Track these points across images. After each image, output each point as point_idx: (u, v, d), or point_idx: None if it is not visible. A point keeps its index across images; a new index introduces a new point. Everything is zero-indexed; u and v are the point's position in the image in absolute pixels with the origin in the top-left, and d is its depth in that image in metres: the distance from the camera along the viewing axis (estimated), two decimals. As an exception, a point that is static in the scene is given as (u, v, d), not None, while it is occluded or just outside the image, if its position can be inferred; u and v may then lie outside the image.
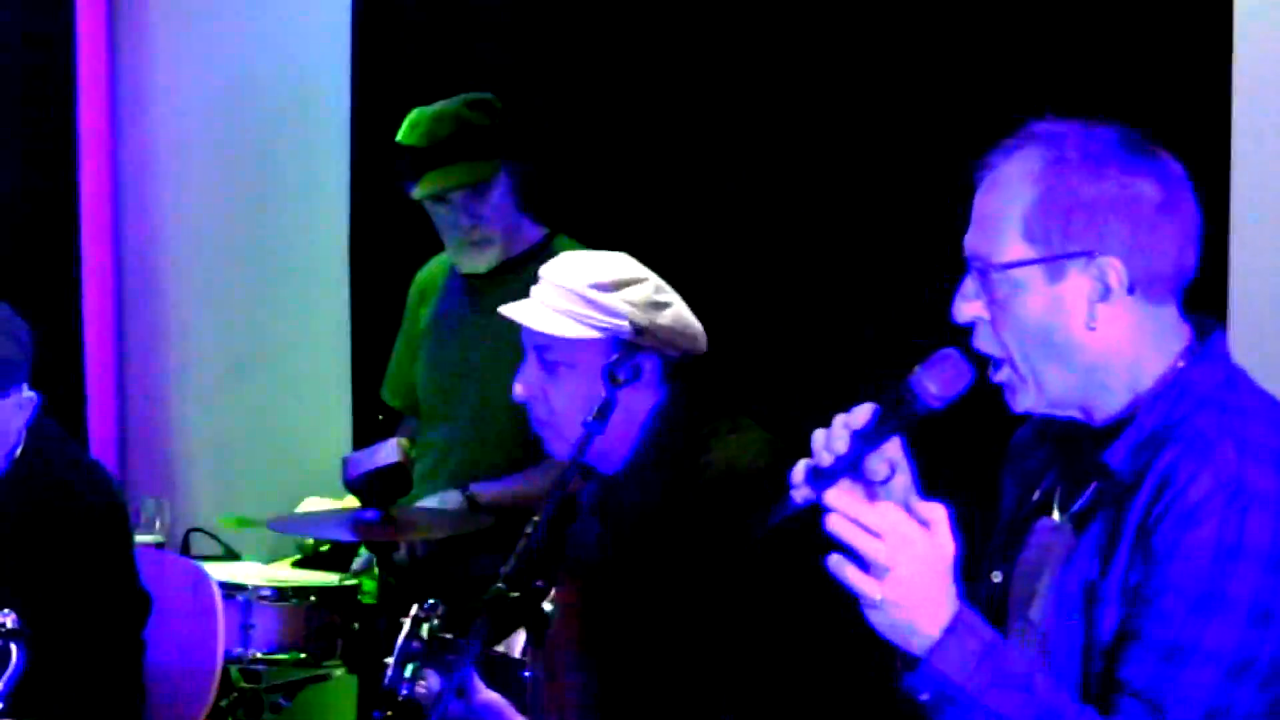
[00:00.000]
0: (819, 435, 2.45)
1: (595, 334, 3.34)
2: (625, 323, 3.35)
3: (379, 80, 5.39)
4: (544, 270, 3.43)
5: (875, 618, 2.36)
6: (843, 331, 4.72)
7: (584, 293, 3.35)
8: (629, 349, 3.34)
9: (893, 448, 2.47)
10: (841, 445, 2.43)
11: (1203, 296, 3.97)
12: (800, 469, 2.45)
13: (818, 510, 2.45)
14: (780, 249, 4.83)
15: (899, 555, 2.34)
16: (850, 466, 2.43)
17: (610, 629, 3.39)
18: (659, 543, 3.33)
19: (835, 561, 2.35)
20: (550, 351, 3.36)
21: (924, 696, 2.39)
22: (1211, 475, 2.36)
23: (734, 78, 4.89)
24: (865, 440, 2.43)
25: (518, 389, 3.41)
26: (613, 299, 3.36)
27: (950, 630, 2.35)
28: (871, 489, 2.48)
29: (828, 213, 4.76)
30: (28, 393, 3.59)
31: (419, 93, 4.88)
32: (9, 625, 3.28)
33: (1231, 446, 2.37)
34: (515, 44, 5.17)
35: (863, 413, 2.45)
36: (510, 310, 3.40)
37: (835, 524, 2.36)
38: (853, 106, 4.71)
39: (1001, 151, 2.49)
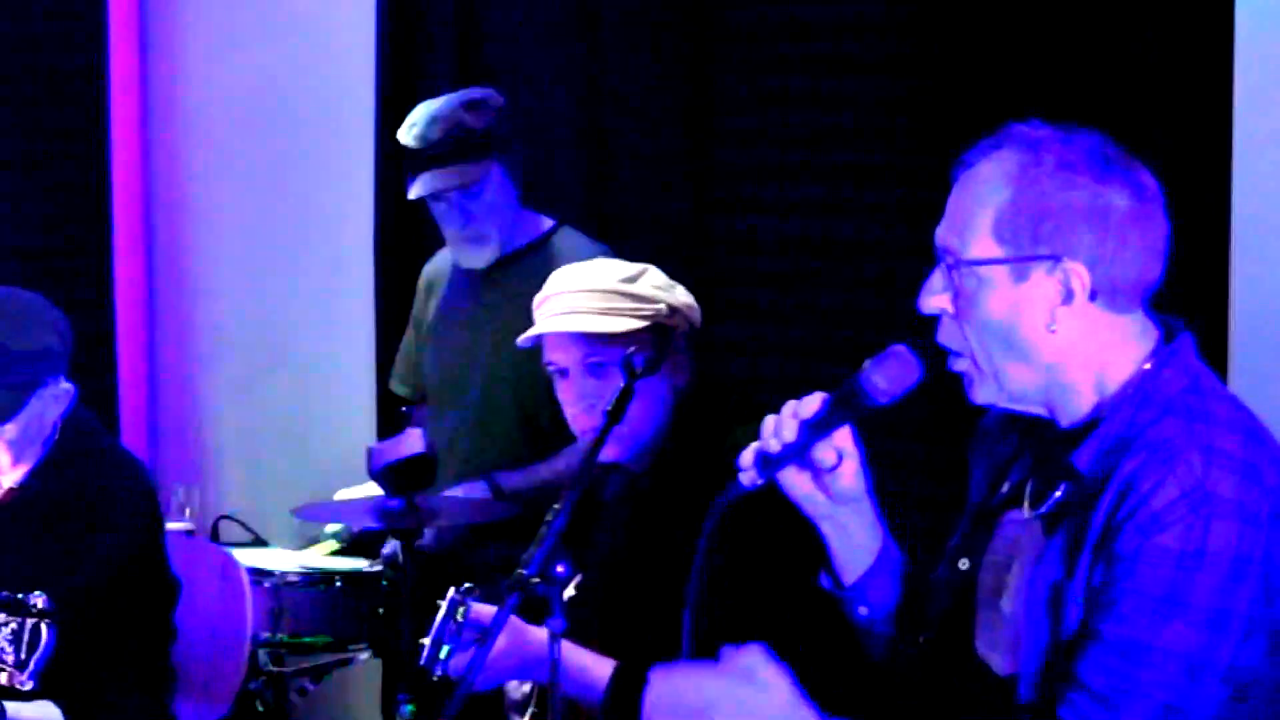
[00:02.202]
0: (769, 422, 2.52)
1: (641, 324, 3.36)
2: (662, 306, 3.38)
3: (404, 81, 5.38)
4: (559, 283, 3.44)
5: None
6: (842, 322, 4.75)
7: (618, 288, 3.38)
8: (662, 333, 3.37)
9: (842, 436, 2.53)
10: (790, 434, 2.50)
11: (1204, 297, 4.06)
12: (749, 454, 2.52)
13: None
14: (783, 240, 4.87)
15: None
16: (798, 454, 2.50)
17: (634, 619, 3.39)
18: (682, 532, 3.22)
19: None
20: (600, 354, 3.36)
21: None
22: (1176, 483, 2.36)
23: (745, 74, 4.91)
24: (814, 430, 2.49)
25: (580, 417, 3.40)
26: (643, 288, 3.39)
27: None
28: (819, 475, 2.54)
29: (829, 200, 4.79)
30: (65, 384, 3.61)
31: (443, 89, 4.88)
32: (40, 606, 3.31)
33: (1198, 455, 2.37)
34: (538, 42, 5.19)
35: (812, 402, 2.52)
36: (555, 325, 3.39)
37: None
38: (852, 101, 4.74)
39: (980, 150, 2.52)
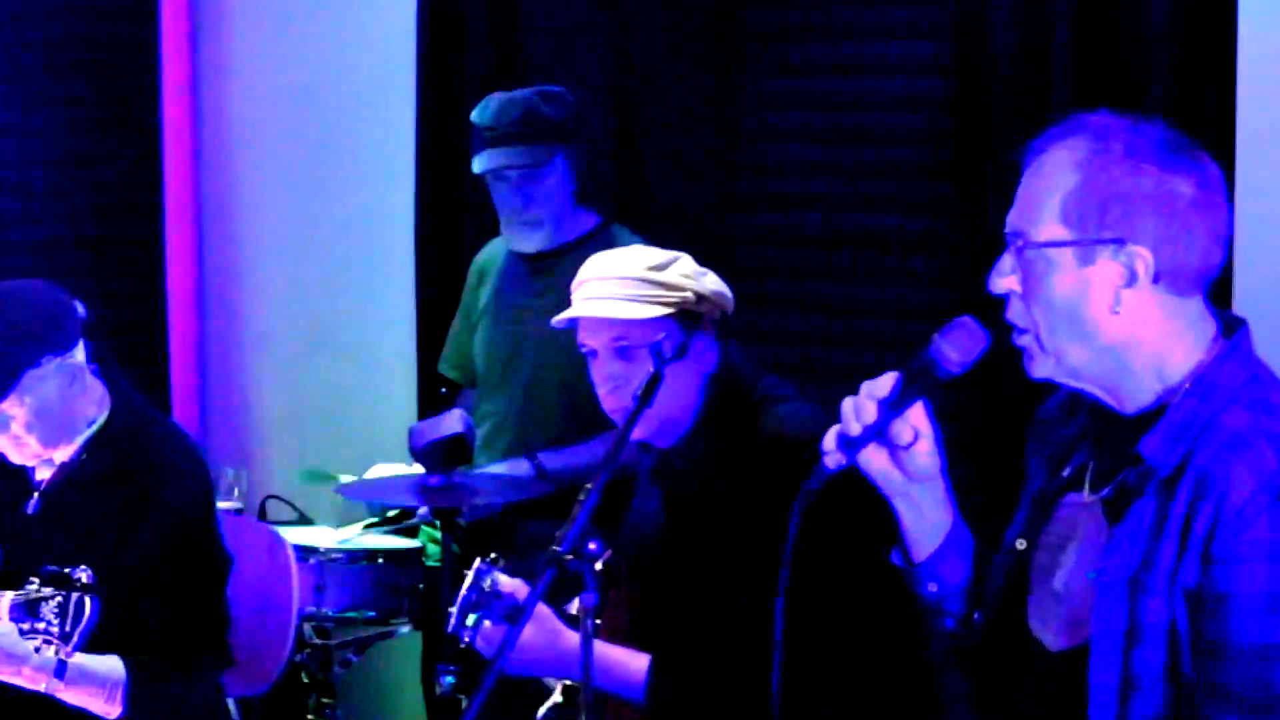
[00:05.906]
0: (848, 404, 2.53)
1: (667, 310, 3.40)
2: (689, 294, 3.43)
3: (443, 75, 5.42)
4: (591, 269, 3.49)
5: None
6: (871, 309, 4.82)
7: (645, 276, 3.42)
8: (691, 319, 3.42)
9: (917, 413, 2.55)
10: (870, 414, 2.51)
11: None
12: (831, 437, 2.54)
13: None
14: (816, 233, 4.94)
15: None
16: (877, 433, 2.52)
17: (667, 597, 3.45)
18: (713, 510, 3.39)
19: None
20: (626, 338, 3.41)
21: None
22: (1252, 475, 2.38)
23: (776, 72, 4.99)
24: (891, 407, 2.52)
25: (608, 397, 3.46)
26: (671, 276, 3.44)
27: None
28: (895, 452, 2.55)
29: (850, 195, 4.86)
30: (70, 360, 3.61)
31: (481, 86, 4.99)
32: (84, 580, 3.35)
33: (1266, 444, 2.40)
34: (573, 41, 5.24)
35: (886, 381, 2.52)
36: (584, 309, 3.45)
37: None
38: (872, 99, 4.82)
39: (1049, 137, 2.54)
